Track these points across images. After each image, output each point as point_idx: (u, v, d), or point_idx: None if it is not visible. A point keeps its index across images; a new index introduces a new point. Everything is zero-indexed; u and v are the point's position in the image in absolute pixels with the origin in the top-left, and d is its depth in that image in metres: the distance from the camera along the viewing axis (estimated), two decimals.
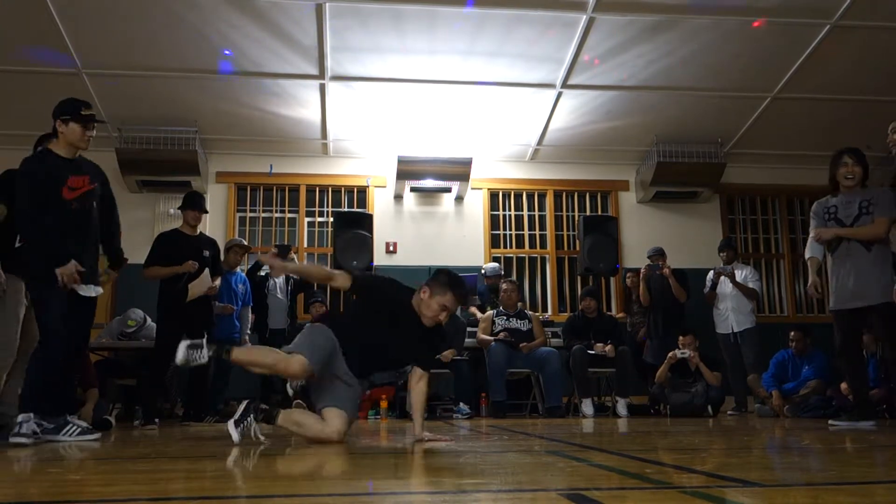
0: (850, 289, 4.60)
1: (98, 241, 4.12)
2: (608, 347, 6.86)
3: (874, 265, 4.54)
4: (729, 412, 7.02)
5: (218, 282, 6.04)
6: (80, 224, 3.93)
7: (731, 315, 7.21)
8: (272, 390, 6.93)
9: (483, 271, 7.91)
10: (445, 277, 3.56)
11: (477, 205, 8.77)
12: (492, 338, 6.86)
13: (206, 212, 6.17)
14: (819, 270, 4.96)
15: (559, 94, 7.59)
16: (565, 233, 8.97)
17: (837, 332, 4.76)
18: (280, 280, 7.23)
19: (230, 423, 3.47)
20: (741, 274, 7.31)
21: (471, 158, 8.20)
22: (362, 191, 8.70)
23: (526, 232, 8.90)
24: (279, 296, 7.17)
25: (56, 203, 3.83)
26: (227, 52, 6.84)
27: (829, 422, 4.67)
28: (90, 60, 6.88)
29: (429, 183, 8.35)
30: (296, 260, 7.55)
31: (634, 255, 8.49)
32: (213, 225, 7.83)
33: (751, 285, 7.27)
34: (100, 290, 4.08)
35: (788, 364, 6.80)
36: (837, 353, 4.89)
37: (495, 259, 8.74)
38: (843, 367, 4.91)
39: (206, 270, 5.82)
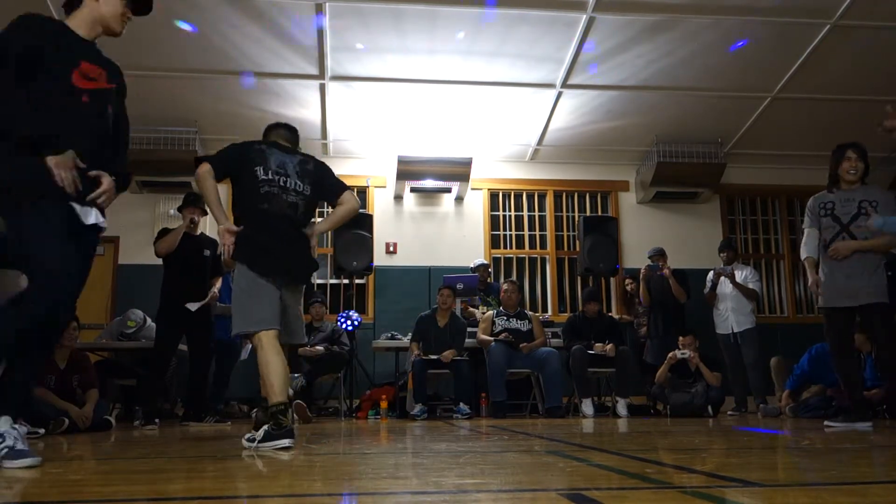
0: (841, 287, 4.54)
1: (110, 160, 2.83)
2: (608, 347, 6.86)
3: (866, 265, 4.49)
4: (729, 412, 7.01)
5: (219, 283, 6.05)
6: (93, 128, 2.76)
7: (731, 315, 7.20)
8: None
9: (472, 266, 7.97)
10: None
11: (477, 205, 8.77)
12: (492, 338, 6.86)
13: (206, 212, 6.16)
14: (817, 268, 4.78)
15: (559, 94, 7.59)
16: (565, 233, 8.97)
17: (829, 330, 4.67)
18: None
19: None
20: (741, 274, 7.31)
21: (471, 158, 8.20)
22: (362, 191, 8.69)
23: (526, 232, 8.90)
24: None
25: (60, 88, 2.68)
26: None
27: (825, 423, 4.62)
28: None
29: (429, 183, 8.35)
30: None
31: (634, 256, 8.50)
32: (214, 225, 7.82)
33: (751, 286, 7.27)
34: (105, 222, 2.80)
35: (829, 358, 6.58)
36: (830, 352, 4.82)
37: (495, 259, 8.76)
38: (836, 367, 4.83)
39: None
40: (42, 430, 4.46)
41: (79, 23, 2.86)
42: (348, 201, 3.66)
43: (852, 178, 4.63)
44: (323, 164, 3.77)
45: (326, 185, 3.69)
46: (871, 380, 5.72)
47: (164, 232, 5.90)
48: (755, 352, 7.08)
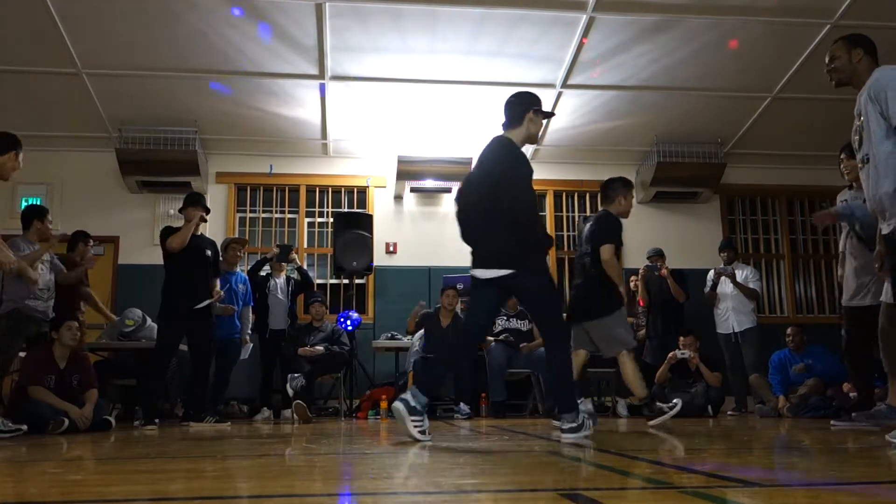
0: (852, 287, 4.64)
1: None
2: None
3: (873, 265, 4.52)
4: (729, 412, 7.01)
5: (217, 285, 6.07)
6: None
7: (732, 315, 7.20)
8: (274, 390, 6.94)
9: None
10: None
11: None
12: (492, 338, 6.86)
13: (208, 210, 6.15)
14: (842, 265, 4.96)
15: (559, 94, 7.59)
16: (565, 233, 8.96)
17: (844, 328, 4.78)
18: (280, 280, 7.24)
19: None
20: (742, 274, 7.31)
21: (471, 158, 8.17)
22: (362, 191, 8.70)
23: None
24: (279, 296, 7.17)
25: None
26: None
27: (832, 422, 4.64)
28: (90, 60, 6.88)
29: (429, 183, 8.34)
30: (297, 259, 7.56)
31: (634, 256, 8.48)
32: (214, 225, 7.82)
33: (751, 285, 7.26)
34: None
35: (787, 363, 6.80)
36: (844, 349, 4.89)
37: None
38: (848, 364, 4.90)
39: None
40: (24, 427, 4.45)
41: (518, 140, 3.88)
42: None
43: (849, 178, 4.72)
44: (596, 218, 4.89)
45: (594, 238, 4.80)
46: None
47: (168, 230, 5.89)
48: (755, 352, 7.08)
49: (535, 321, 3.91)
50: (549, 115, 4.11)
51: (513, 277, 3.69)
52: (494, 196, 3.72)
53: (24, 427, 4.45)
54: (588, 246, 4.78)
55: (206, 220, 5.98)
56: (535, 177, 8.02)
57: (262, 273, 7.21)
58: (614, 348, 4.74)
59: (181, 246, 5.67)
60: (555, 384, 3.79)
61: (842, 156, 4.78)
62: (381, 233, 8.27)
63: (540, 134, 4.13)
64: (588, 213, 8.82)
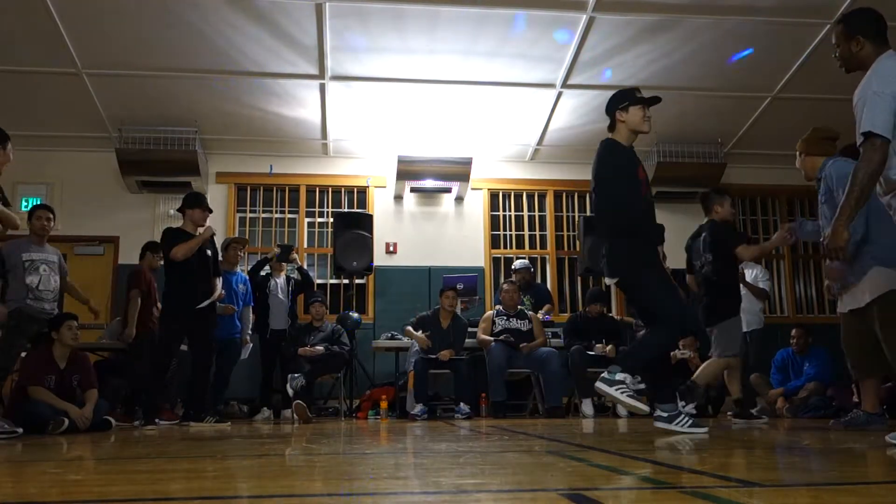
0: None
1: None
2: (608, 348, 6.85)
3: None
4: (729, 412, 7.00)
5: (219, 282, 6.07)
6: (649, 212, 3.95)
7: (741, 315, 7.16)
8: (274, 390, 6.95)
9: (514, 267, 7.94)
10: None
11: (477, 205, 8.77)
12: (492, 338, 6.86)
13: (211, 210, 6.16)
14: None
15: (559, 94, 7.59)
16: (565, 233, 8.97)
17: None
18: (281, 280, 7.24)
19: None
20: (751, 273, 7.26)
21: (471, 158, 8.20)
22: (362, 191, 8.70)
23: (526, 232, 8.90)
24: (280, 296, 7.18)
25: (643, 194, 3.93)
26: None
27: (831, 422, 4.63)
28: (90, 60, 6.88)
29: (429, 183, 8.35)
30: (297, 259, 7.57)
31: None
32: (214, 225, 7.81)
33: (761, 285, 7.22)
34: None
35: (789, 363, 6.81)
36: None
37: (495, 259, 8.75)
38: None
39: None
40: (20, 430, 4.46)
41: (622, 137, 4.06)
42: None
43: None
44: (709, 230, 5.17)
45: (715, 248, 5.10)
46: None
47: (168, 232, 5.89)
48: (755, 352, 7.06)
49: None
50: (648, 100, 4.04)
51: (623, 282, 3.90)
52: (596, 204, 3.93)
53: (20, 430, 4.45)
54: (709, 255, 5.04)
55: (215, 233, 6.04)
56: (534, 177, 8.06)
57: (263, 273, 7.21)
58: (716, 351, 5.03)
59: (185, 257, 5.67)
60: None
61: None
62: (381, 233, 8.28)
63: (643, 122, 4.08)
64: (588, 213, 8.82)
